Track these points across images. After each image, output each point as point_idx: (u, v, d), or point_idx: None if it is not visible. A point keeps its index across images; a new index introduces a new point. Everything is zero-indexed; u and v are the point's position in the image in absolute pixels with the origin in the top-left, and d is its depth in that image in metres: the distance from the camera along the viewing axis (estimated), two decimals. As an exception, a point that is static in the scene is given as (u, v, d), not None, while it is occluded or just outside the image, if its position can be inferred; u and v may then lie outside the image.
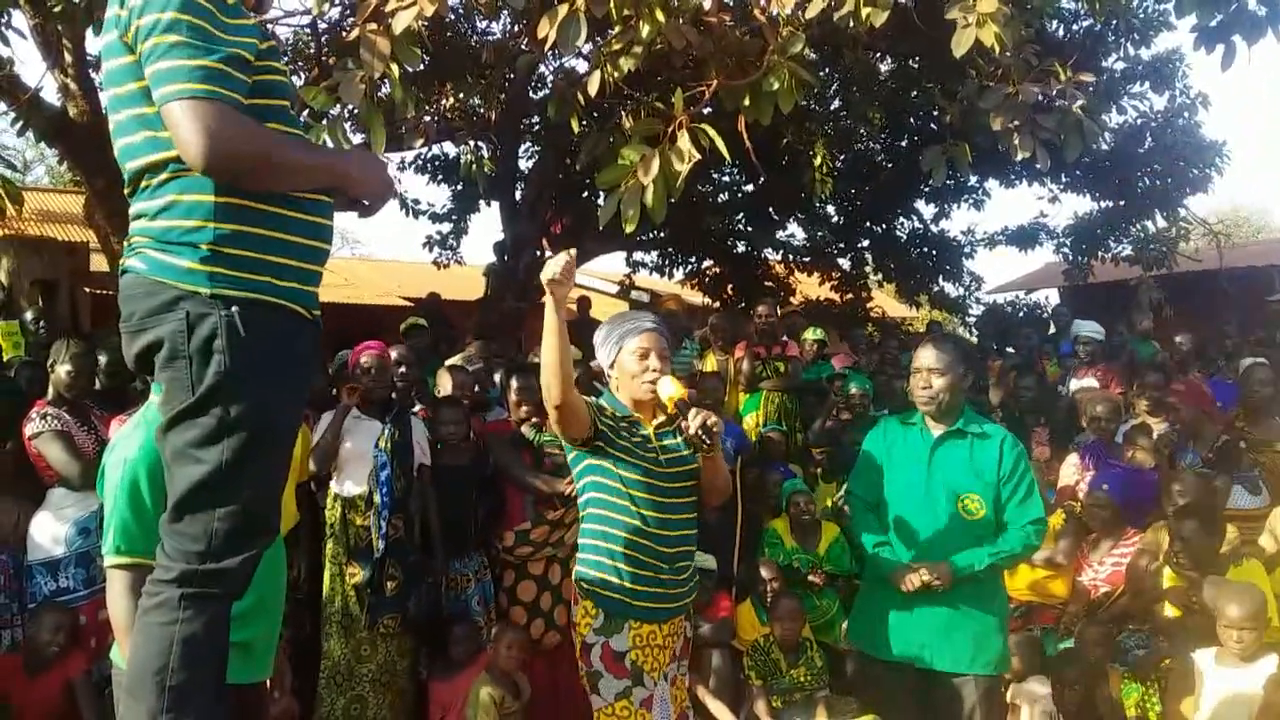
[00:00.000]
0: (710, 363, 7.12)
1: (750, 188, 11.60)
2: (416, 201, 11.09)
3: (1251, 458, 5.31)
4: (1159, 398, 5.93)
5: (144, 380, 1.97)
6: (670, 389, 2.96)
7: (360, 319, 11.77)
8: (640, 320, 3.15)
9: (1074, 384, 7.12)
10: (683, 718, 3.17)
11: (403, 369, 5.11)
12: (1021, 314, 13.20)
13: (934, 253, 12.49)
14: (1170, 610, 4.34)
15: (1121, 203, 10.99)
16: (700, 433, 2.84)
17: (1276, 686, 3.44)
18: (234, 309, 1.89)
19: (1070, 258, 11.62)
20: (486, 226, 37.99)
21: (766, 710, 4.74)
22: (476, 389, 5.43)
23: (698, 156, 3.88)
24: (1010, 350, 8.72)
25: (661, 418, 3.11)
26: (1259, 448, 5.35)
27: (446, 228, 11.40)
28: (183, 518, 1.90)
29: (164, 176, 1.94)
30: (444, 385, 5.25)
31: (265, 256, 1.95)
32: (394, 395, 4.89)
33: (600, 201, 4.22)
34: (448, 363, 5.61)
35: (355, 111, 4.53)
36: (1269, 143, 61.17)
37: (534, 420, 5.02)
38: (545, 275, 2.79)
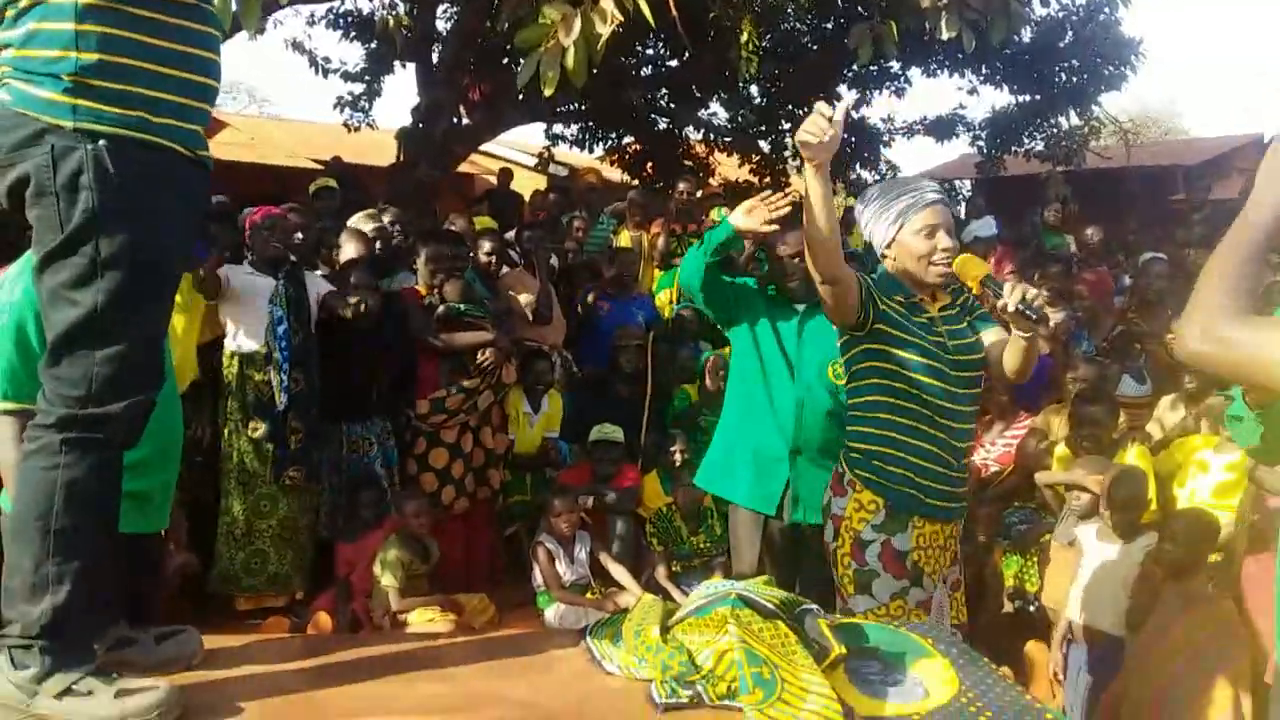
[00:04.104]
0: (624, 238, 7.09)
1: (674, 63, 11.38)
2: (327, 60, 10.59)
3: (1140, 348, 5.54)
4: (1059, 287, 6.11)
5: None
6: (973, 267, 2.68)
7: (268, 180, 11.36)
8: (921, 191, 2.79)
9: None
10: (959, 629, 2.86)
11: (301, 229, 4.99)
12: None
13: (853, 139, 12.49)
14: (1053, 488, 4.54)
15: (1037, 97, 11.09)
16: (1021, 307, 2.50)
17: (1152, 559, 3.66)
18: (101, 143, 1.79)
19: (984, 150, 11.76)
20: (401, 89, 36.59)
21: (667, 575, 4.89)
22: (381, 252, 5.33)
23: (620, 18, 3.79)
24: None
25: (945, 300, 2.85)
26: (1148, 339, 5.57)
27: (359, 89, 10.93)
28: (60, 362, 1.84)
29: (24, 4, 1.81)
30: (347, 249, 5.13)
31: (135, 89, 1.84)
32: (290, 255, 4.79)
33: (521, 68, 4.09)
34: (349, 223, 5.46)
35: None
36: (1179, 44, 62.00)
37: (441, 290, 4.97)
38: (801, 137, 2.47)
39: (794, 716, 1.92)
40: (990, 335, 2.87)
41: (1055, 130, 11.17)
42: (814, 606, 2.34)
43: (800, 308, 3.53)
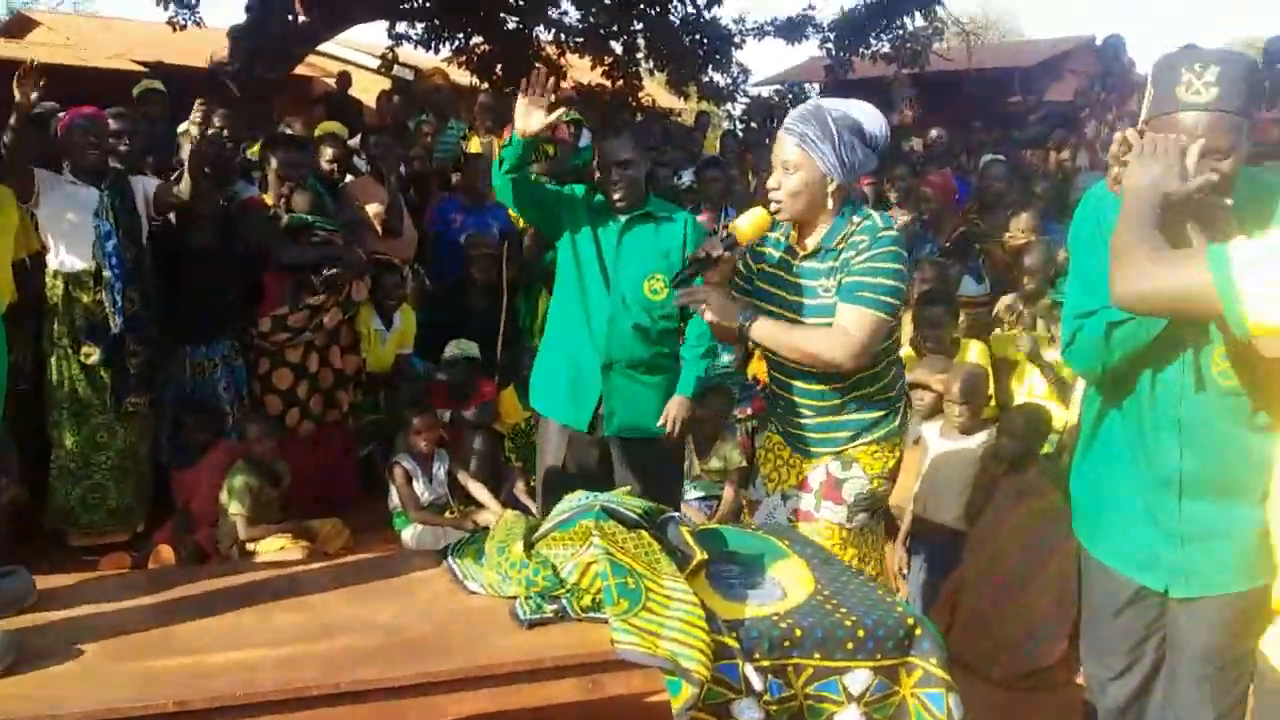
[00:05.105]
0: (475, 145, 6.88)
1: (523, -45, 11.00)
2: (144, -50, 9.84)
3: (979, 249, 5.73)
4: (907, 188, 6.25)
5: None
6: (744, 220, 2.55)
7: (87, 83, 10.51)
8: (792, 116, 2.56)
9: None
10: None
11: (124, 134, 4.64)
12: (789, 102, 13.43)
13: (705, 40, 12.40)
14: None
15: (885, -1, 11.23)
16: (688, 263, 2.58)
17: (990, 453, 3.84)
18: None
19: (834, 53, 11.86)
20: (230, -14, 34.06)
21: (526, 490, 4.87)
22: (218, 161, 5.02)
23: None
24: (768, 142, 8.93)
25: (813, 248, 2.60)
26: (986, 239, 5.77)
27: (183, -18, 10.19)
28: None
29: None
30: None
31: None
32: (112, 162, 4.45)
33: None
34: (182, 130, 5.12)
35: None
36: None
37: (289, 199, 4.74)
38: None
39: (659, 624, 1.95)
40: (843, 310, 2.53)
41: (901, 31, 11.35)
42: (676, 514, 2.37)
43: (622, 219, 3.40)
